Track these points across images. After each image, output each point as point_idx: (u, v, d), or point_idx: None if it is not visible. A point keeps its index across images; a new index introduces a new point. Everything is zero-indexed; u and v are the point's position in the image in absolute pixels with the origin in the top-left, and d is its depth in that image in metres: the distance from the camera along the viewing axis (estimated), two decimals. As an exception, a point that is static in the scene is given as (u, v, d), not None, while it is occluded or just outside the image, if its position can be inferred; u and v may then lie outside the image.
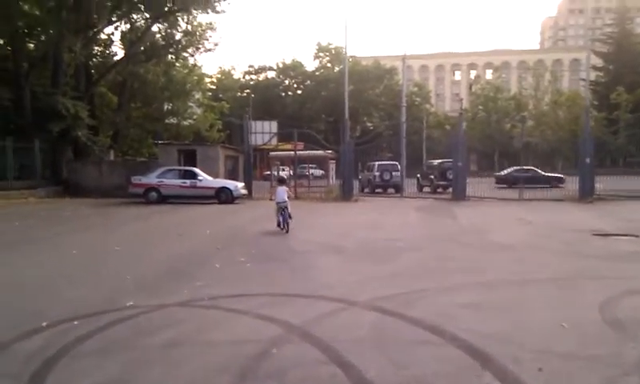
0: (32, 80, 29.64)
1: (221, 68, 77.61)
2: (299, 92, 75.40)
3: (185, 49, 38.43)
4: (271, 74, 76.41)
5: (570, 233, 13.00)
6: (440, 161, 30.58)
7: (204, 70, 51.20)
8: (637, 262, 9.40)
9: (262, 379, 4.23)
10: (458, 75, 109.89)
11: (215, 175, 25.52)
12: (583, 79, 59.21)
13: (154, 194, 23.25)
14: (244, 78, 76.69)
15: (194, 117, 44.91)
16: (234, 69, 78.33)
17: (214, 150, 28.73)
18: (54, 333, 5.28)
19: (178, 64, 40.75)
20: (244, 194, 24.56)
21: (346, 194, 26.10)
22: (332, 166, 34.10)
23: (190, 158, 27.50)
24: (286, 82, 76.79)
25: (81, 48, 30.53)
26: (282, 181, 15.00)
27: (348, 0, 75.31)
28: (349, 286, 7.37)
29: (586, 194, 22.89)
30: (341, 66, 70.58)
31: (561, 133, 60.47)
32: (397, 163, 31.63)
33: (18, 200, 23.29)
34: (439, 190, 29.30)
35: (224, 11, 34.60)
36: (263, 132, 29.36)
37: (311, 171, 35.64)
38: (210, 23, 37.34)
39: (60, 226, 15.41)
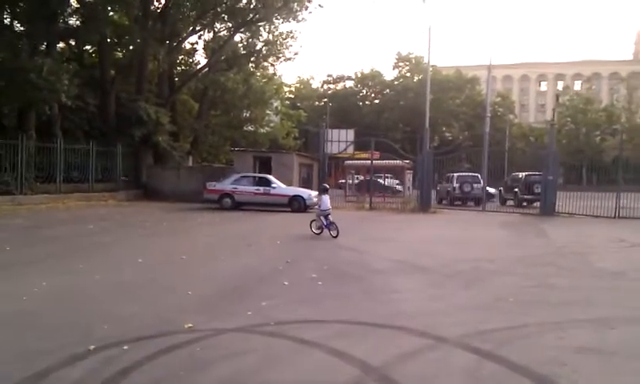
0: (117, 87, 30.55)
1: (299, 77, 78.16)
2: (377, 101, 74.79)
3: (265, 58, 38.67)
4: (349, 84, 76.31)
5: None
6: (526, 173, 28.69)
7: (283, 79, 51.56)
8: None
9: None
10: (543, 86, 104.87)
11: (289, 183, 25.08)
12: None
13: (227, 201, 23.11)
14: (322, 87, 76.89)
15: (272, 124, 45.01)
16: (312, 78, 78.83)
17: (288, 157, 28.36)
18: (100, 360, 4.66)
19: (257, 73, 41.00)
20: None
21: (423, 206, 24.96)
22: (409, 176, 32.98)
23: (265, 165, 27.25)
24: (364, 91, 76.38)
25: (165, 56, 31.21)
26: (325, 190, 14.99)
27: (429, 9, 73.71)
28: (434, 316, 6.38)
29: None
30: (420, 76, 69.20)
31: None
32: (478, 175, 30.08)
33: (98, 202, 23.83)
34: (524, 204, 27.47)
35: (305, 20, 34.45)
36: (340, 140, 28.67)
37: (386, 181, 34.60)
38: (291, 31, 37.36)
39: (132, 230, 15.30)
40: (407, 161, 31.05)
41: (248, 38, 37.59)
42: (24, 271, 8.63)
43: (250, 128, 43.67)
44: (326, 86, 76.75)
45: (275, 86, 45.35)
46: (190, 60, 40.46)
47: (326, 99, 70.54)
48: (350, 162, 35.50)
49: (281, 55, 38.55)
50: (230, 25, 35.16)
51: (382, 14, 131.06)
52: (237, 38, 36.76)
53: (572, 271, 9.85)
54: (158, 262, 9.86)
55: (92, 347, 4.90)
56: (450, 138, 67.54)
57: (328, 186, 16.23)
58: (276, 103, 45.45)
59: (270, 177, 23.96)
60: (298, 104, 63.79)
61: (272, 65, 40.94)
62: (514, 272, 9.63)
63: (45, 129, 24.30)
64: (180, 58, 38.52)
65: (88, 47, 32.46)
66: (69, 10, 28.11)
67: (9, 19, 26.17)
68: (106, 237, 13.33)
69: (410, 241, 14.25)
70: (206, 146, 41.85)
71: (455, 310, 6.71)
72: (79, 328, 5.56)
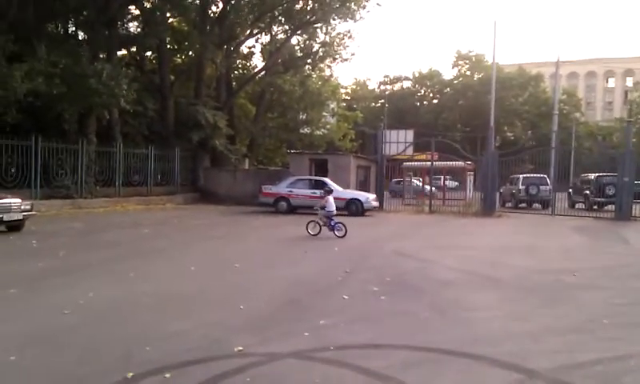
0: (176, 91, 30.81)
1: (356, 79, 77.48)
2: (435, 101, 73.19)
3: (322, 59, 38.28)
4: (407, 84, 75.02)
5: None
6: (597, 174, 26.89)
7: (339, 81, 50.97)
8: None
9: None
10: (611, 82, 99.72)
11: (346, 185, 24.37)
12: None
13: (283, 204, 22.67)
14: (379, 88, 75.97)
15: (328, 126, 44.49)
16: (368, 79, 78.00)
17: (345, 159, 27.65)
18: (137, 390, 4.12)
19: (314, 75, 40.64)
20: (375, 207, 23.18)
21: (487, 209, 23.74)
22: (469, 177, 31.68)
23: (322, 168, 26.67)
24: (422, 91, 74.92)
25: (222, 60, 31.26)
26: (330, 191, 15.34)
27: (491, 6, 71.42)
28: (518, 341, 5.53)
29: None
30: (481, 74, 67.12)
31: None
32: (545, 176, 28.52)
33: (156, 206, 23.91)
34: (595, 207, 25.71)
35: (362, 18, 33.89)
36: (398, 141, 27.77)
37: (446, 183, 33.46)
38: (348, 31, 36.84)
39: (187, 234, 15.00)
40: (469, 162, 29.77)
41: (305, 40, 37.35)
42: (73, 280, 8.32)
43: (306, 130, 43.32)
44: (382, 87, 75.78)
45: (332, 88, 44.84)
46: (247, 63, 40.51)
47: (382, 100, 69.53)
48: (408, 163, 34.47)
49: (337, 56, 38.07)
50: (287, 27, 35.00)
51: (441, 11, 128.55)
52: (293, 40, 36.62)
53: (669, 286, 8.70)
54: (211, 271, 9.37)
55: (130, 375, 4.36)
56: (513, 137, 65.14)
57: (332, 189, 16.30)
58: (332, 105, 44.91)
59: (327, 179, 23.34)
60: (354, 105, 63.07)
61: (329, 66, 40.54)
62: (601, 286, 8.56)
63: (105, 133, 24.64)
64: (237, 61, 38.61)
65: (148, 53, 32.93)
66: (128, 17, 28.60)
67: (73, 28, 26.84)
68: (160, 242, 13.04)
69: (477, 248, 13.25)
70: (262, 148, 41.77)
71: (542, 334, 5.82)
72: (119, 349, 5.05)
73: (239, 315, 6.40)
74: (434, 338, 5.60)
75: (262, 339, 5.47)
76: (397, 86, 75.45)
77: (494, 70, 28.98)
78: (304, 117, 42.28)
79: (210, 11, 31.26)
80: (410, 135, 29.32)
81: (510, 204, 29.33)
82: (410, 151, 28.87)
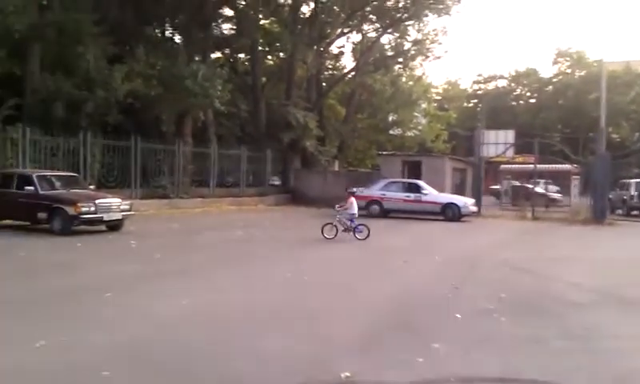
0: (267, 92, 31.00)
1: (447, 79, 75.25)
2: (532, 101, 69.56)
3: (413, 58, 37.22)
4: (502, 83, 71.88)
5: None
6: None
7: (430, 81, 49.47)
8: None
9: None
10: None
11: (441, 189, 23.21)
12: None
13: (375, 208, 21.90)
14: (472, 87, 73.33)
15: (419, 127, 43.24)
16: (460, 79, 75.54)
17: (440, 161, 26.46)
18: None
19: (405, 74, 39.64)
20: (473, 212, 21.91)
21: (597, 216, 21.79)
22: (575, 182, 29.45)
23: (414, 170, 25.63)
24: (518, 90, 71.52)
25: (313, 60, 31.08)
26: (352, 193, 14.78)
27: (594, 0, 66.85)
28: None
29: None
30: (582, 72, 63.05)
31: None
32: (660, 181, 25.97)
33: (248, 207, 23.98)
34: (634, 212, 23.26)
35: (459, 12, 32.72)
36: (497, 142, 26.19)
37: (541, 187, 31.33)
38: (444, 27, 35.64)
39: (280, 237, 14.68)
40: (575, 165, 27.65)
41: (396, 39, 36.43)
42: (168, 285, 8.08)
43: (396, 131, 42.32)
44: (476, 86, 72.99)
45: (423, 87, 43.58)
46: (337, 64, 40.19)
47: (476, 100, 67.00)
48: (506, 166, 32.61)
49: (430, 54, 36.84)
50: (378, 25, 34.29)
51: (538, 6, 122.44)
52: (384, 38, 35.86)
53: None
54: (308, 279, 8.83)
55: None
56: (619, 139, 60.53)
57: (355, 190, 15.82)
58: (424, 105, 43.60)
59: (422, 182, 22.37)
60: (446, 106, 61.16)
61: (420, 65, 39.37)
62: None
63: (200, 134, 25.09)
64: (327, 62, 38.37)
65: (241, 55, 33.42)
66: (222, 19, 29.12)
67: (169, 31, 27.67)
68: (254, 245, 12.76)
69: (597, 260, 11.88)
70: (352, 150, 41.27)
71: None
72: (215, 370, 4.57)
73: (343, 333, 5.78)
74: (575, 375, 4.70)
75: (371, 364, 4.82)
76: (491, 85, 72.45)
77: (603, 68, 26.80)
78: (394, 117, 41.32)
79: (301, 11, 31.19)
80: (510, 136, 27.61)
81: (620, 211, 26.93)
82: (510, 153, 27.17)
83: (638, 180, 26.98)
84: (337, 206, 14.51)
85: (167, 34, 27.55)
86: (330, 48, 36.75)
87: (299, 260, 10.94)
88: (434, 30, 35.55)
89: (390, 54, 36.80)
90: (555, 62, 68.59)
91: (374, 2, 31.66)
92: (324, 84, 36.78)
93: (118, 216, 13.76)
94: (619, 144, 56.08)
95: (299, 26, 30.17)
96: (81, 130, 18.41)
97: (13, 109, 17.09)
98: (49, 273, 8.53)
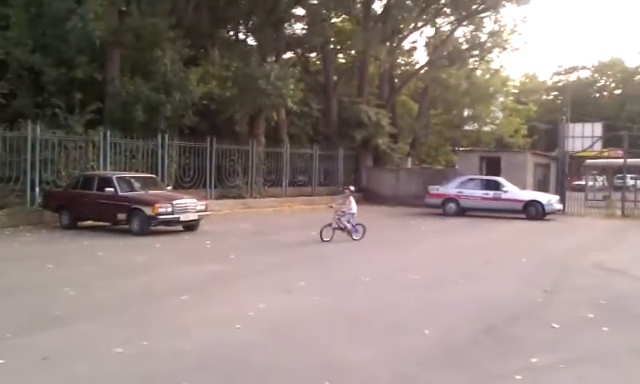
0: (339, 90, 30.70)
1: (525, 71, 72.29)
2: (617, 92, 65.55)
3: (490, 50, 35.75)
4: (584, 74, 68.19)
5: None
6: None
7: (507, 74, 47.41)
8: None
9: None
10: None
11: (522, 186, 22.03)
12: None
13: (452, 206, 21.12)
14: (551, 79, 70.01)
15: (497, 122, 41.55)
16: (538, 71, 72.32)
17: (521, 156, 25.12)
18: None
19: (481, 67, 38.18)
20: (557, 210, 20.67)
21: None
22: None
23: (493, 166, 24.50)
24: (602, 81, 67.62)
25: (386, 56, 30.48)
26: (352, 191, 13.99)
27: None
28: None
29: None
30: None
31: None
32: None
33: (320, 206, 23.77)
34: None
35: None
36: (583, 136, 24.59)
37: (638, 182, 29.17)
38: (524, 16, 33.98)
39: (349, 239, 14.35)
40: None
41: (471, 31, 35.10)
42: (244, 287, 7.96)
43: (472, 126, 40.88)
44: (556, 78, 69.64)
45: (501, 80, 41.84)
46: (410, 59, 39.30)
47: (556, 92, 63.92)
48: (592, 161, 30.68)
49: (508, 46, 35.21)
50: (453, 18, 33.15)
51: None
52: (459, 31, 34.60)
53: None
54: (384, 283, 8.41)
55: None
56: None
57: (353, 188, 14.73)
58: (501, 98, 41.85)
59: (502, 179, 21.33)
60: (523, 99, 58.63)
61: (497, 57, 37.74)
62: None
63: (273, 134, 25.15)
64: (399, 57, 37.57)
65: (313, 54, 33.33)
66: (294, 19, 29.11)
67: (243, 32, 27.97)
68: (327, 246, 12.49)
69: None
70: (425, 147, 40.28)
71: None
72: (294, 380, 4.29)
73: (426, 343, 5.37)
74: None
75: (463, 381, 4.38)
76: (572, 77, 68.88)
77: None
78: (470, 112, 39.93)
79: (373, 8, 30.69)
80: (597, 129, 25.83)
81: None
82: (597, 147, 25.48)
83: None
84: (334, 204, 13.99)
85: (241, 35, 27.83)
86: (403, 43, 35.96)
87: (374, 262, 10.56)
88: (512, 20, 34.05)
89: (464, 47, 35.57)
90: (644, 50, 64.34)
91: (450, -6, 30.63)
92: (396, 80, 36.04)
93: (194, 216, 13.89)
94: None
95: (371, 23, 29.65)
96: (159, 132, 18.83)
97: (94, 113, 17.64)
98: (128, 273, 8.61)
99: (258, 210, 21.11)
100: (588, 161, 30.97)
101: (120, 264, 9.52)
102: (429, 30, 35.28)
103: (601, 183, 31.01)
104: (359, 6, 29.62)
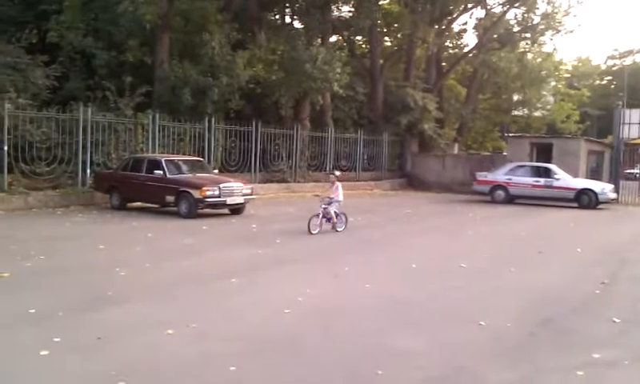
0: (385, 74, 30.26)
1: (577, 55, 69.69)
2: (678, 75, 62.41)
3: (542, 33, 34.50)
4: (640, 58, 65.18)
5: None
6: None
7: (560, 57, 45.71)
8: None
9: None
10: None
11: (574, 173, 21.28)
12: None
13: (500, 193, 20.63)
14: (605, 63, 67.23)
15: (548, 107, 40.17)
16: (592, 55, 69.57)
17: (574, 143, 24.24)
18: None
19: (533, 50, 36.90)
20: (612, 199, 19.91)
21: None
22: None
23: (544, 153, 23.72)
24: (661, 64, 64.48)
25: (434, 39, 29.82)
26: (338, 178, 12.74)
27: None
28: None
29: None
30: None
31: None
32: None
33: (364, 191, 23.60)
34: None
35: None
36: (640, 123, 23.58)
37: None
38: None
39: (399, 224, 14.17)
40: None
41: (523, 13, 33.93)
42: (291, 271, 7.93)
43: (521, 112, 39.67)
44: (610, 62, 66.83)
45: (554, 64, 40.34)
46: (458, 42, 38.33)
47: (610, 77, 61.40)
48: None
49: (561, 28, 33.91)
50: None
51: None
52: (510, 14, 33.49)
53: None
54: (434, 271, 8.24)
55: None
56: None
57: (338, 173, 13.33)
58: (553, 83, 40.38)
59: (553, 166, 20.66)
60: (575, 83, 56.51)
61: (550, 39, 36.38)
62: None
63: (317, 118, 25.03)
64: (448, 40, 36.70)
65: (359, 37, 32.91)
66: (341, 1, 28.72)
67: (289, 16, 27.84)
68: (373, 232, 12.37)
69: None
70: (472, 132, 39.35)
71: None
72: (345, 370, 4.22)
73: (482, 335, 5.19)
74: None
75: (522, 375, 4.21)
76: (627, 61, 65.96)
77: None
78: (520, 97, 38.76)
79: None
80: (654, 115, 24.72)
81: None
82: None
83: None
84: (321, 193, 13.11)
85: (287, 18, 27.73)
86: (452, 26, 35.10)
87: (422, 248, 10.38)
88: (567, 1, 32.71)
89: (516, 29, 34.43)
90: None
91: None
92: (444, 64, 35.28)
93: (240, 200, 13.96)
94: None
95: (420, 5, 29.01)
96: (206, 115, 18.99)
97: (143, 96, 17.90)
98: (177, 256, 8.70)
99: (301, 194, 21.10)
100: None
101: (169, 246, 9.64)
102: (479, 12, 34.29)
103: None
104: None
